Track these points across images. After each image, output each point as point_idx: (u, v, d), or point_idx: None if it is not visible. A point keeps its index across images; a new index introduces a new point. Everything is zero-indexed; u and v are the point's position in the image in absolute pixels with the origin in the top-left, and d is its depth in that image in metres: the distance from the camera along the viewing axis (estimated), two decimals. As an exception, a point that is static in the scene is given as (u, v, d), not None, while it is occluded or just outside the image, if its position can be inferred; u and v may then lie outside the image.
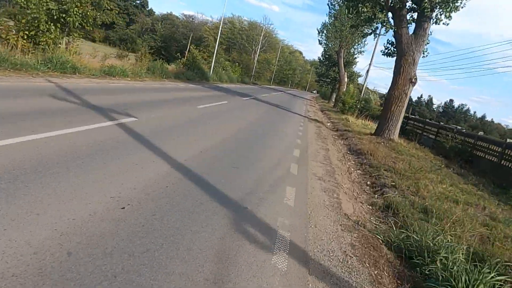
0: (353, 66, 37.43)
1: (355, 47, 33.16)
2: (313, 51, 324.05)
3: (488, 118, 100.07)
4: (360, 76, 38.52)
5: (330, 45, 33.34)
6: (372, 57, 30.59)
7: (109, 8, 13.25)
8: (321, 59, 42.86)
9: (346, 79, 31.79)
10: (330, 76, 39.71)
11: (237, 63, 38.03)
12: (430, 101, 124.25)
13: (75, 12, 11.52)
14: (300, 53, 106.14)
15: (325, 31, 31.71)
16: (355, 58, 35.77)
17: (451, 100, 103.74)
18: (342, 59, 32.09)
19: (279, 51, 69.32)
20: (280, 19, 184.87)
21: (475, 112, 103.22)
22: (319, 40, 32.94)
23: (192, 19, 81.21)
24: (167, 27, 22.10)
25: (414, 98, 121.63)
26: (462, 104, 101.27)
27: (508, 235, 4.46)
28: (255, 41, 60.48)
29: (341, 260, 2.97)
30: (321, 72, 43.67)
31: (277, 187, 4.40)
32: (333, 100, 37.61)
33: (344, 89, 30.06)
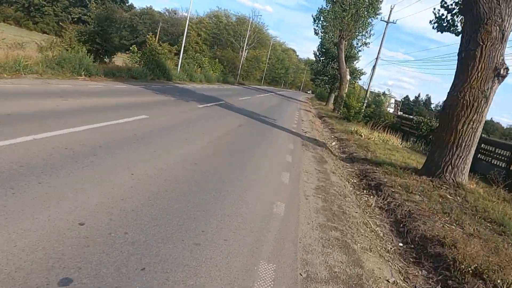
0: (355, 62, 31.63)
1: (358, 37, 27.28)
2: (307, 51, 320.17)
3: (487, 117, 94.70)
4: (363, 73, 32.74)
5: (327, 36, 27.46)
6: (380, 47, 24.98)
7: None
8: (317, 54, 36.73)
9: (348, 77, 25.96)
10: (328, 74, 33.67)
11: (217, 59, 31.97)
12: (428, 100, 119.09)
13: None
14: (294, 51, 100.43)
15: (322, 18, 25.79)
16: (358, 51, 29.94)
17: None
18: (343, 53, 26.24)
19: (270, 49, 63.34)
20: (274, 19, 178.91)
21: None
22: (314, 30, 26.96)
23: (175, 13, 75.16)
24: (99, 7, 15.93)
25: (412, 98, 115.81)
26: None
27: None
28: (243, 37, 54.49)
29: None
30: (317, 69, 37.58)
31: None
32: (333, 102, 31.75)
33: (346, 89, 24.25)
